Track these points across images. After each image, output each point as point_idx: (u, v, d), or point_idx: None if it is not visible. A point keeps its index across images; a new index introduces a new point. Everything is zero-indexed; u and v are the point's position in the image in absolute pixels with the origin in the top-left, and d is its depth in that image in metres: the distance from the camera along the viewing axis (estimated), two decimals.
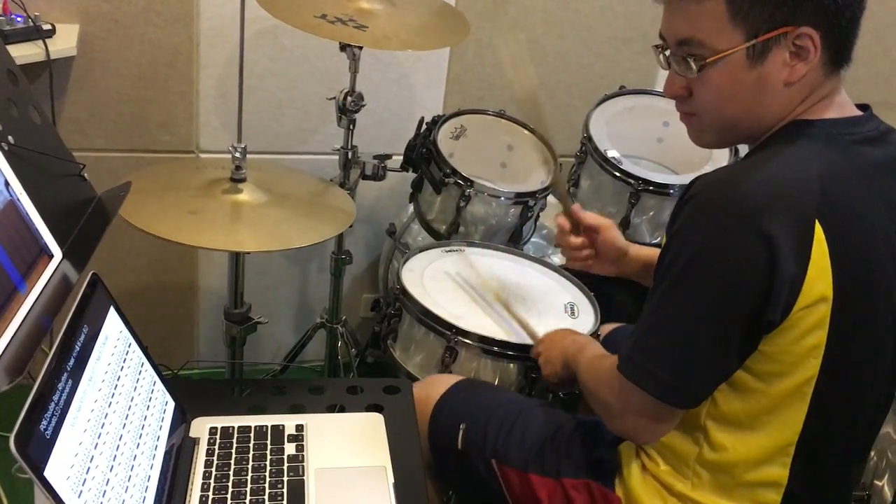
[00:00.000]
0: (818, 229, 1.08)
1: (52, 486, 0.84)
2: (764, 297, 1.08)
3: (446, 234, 2.09)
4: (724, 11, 1.11)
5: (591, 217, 1.62)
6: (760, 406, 1.17)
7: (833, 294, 1.10)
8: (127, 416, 1.06)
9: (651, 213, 2.14)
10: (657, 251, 1.58)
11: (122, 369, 1.08)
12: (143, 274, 2.45)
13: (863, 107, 1.21)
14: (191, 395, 1.29)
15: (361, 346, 2.41)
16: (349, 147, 2.11)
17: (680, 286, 1.13)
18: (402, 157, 2.16)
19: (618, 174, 2.11)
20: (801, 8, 1.09)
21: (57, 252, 1.12)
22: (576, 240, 1.62)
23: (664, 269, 1.15)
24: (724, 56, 1.12)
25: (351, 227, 1.80)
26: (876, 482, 1.75)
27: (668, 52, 1.20)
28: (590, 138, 2.19)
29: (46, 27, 1.96)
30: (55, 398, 0.90)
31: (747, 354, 1.14)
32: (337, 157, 2.13)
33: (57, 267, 1.10)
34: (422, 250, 1.96)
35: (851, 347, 1.16)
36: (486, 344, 1.66)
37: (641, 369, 1.18)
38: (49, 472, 0.84)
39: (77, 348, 0.98)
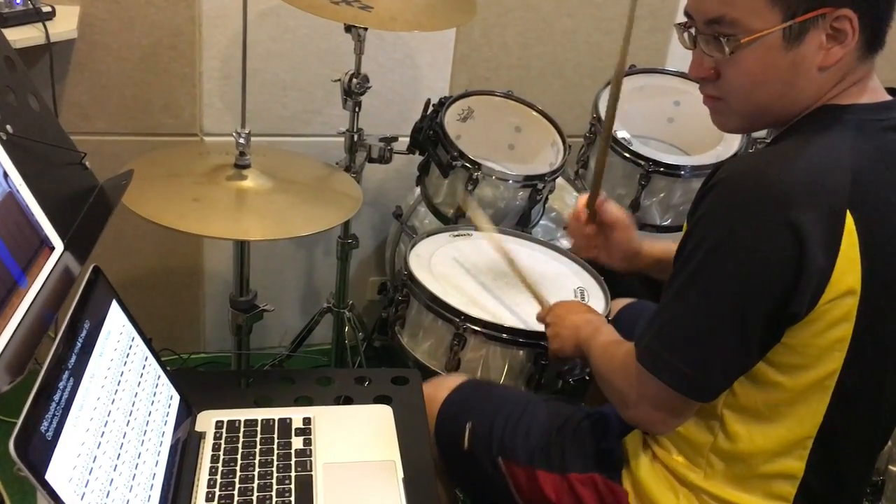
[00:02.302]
0: (849, 220, 1.05)
1: (53, 490, 0.82)
2: (790, 289, 1.05)
3: (454, 218, 2.07)
4: None
5: (612, 213, 1.57)
6: (780, 398, 1.14)
7: (861, 287, 1.07)
8: (131, 412, 1.04)
9: (661, 195, 2.11)
10: (671, 245, 1.56)
11: (125, 364, 1.06)
12: (148, 259, 2.43)
13: (893, 91, 1.17)
14: (196, 387, 1.27)
15: (369, 330, 2.39)
16: (355, 130, 2.08)
17: (702, 276, 1.10)
18: (408, 140, 2.13)
19: (628, 155, 2.08)
20: None
21: (58, 244, 1.09)
22: (588, 230, 1.58)
23: (686, 257, 1.11)
24: (759, 37, 1.07)
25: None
26: (891, 467, 1.73)
27: (693, 31, 1.14)
28: (599, 119, 2.16)
29: (46, 9, 1.93)
30: (56, 398, 0.87)
31: (769, 347, 1.11)
32: (342, 140, 2.10)
33: (58, 259, 1.08)
34: (429, 235, 1.94)
35: (877, 341, 1.13)
36: (495, 330, 1.64)
37: (662, 361, 1.15)
38: (51, 475, 0.82)
39: (78, 345, 0.95)
